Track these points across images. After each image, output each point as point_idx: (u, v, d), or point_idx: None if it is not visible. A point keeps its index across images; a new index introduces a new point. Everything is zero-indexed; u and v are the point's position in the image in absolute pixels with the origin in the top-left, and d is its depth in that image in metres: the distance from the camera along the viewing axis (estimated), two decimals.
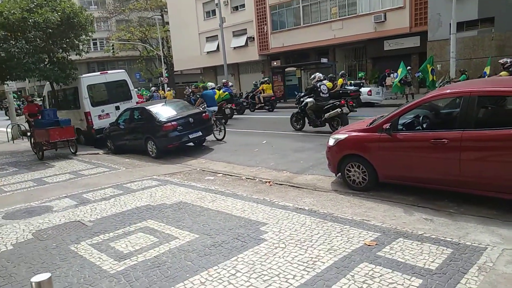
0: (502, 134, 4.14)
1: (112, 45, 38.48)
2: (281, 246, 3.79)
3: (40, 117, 11.33)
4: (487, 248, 3.40)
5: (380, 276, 3.05)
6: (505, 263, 3.10)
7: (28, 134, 12.43)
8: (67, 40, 12.29)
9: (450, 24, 16.83)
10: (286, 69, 26.28)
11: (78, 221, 5.13)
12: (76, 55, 13.08)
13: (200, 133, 9.95)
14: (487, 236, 3.73)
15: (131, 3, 41.40)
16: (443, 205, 4.75)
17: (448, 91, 5.11)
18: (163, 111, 9.87)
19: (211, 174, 7.51)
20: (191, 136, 9.70)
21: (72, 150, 10.86)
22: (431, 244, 3.58)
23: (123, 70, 13.99)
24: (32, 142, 11.35)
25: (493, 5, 17.58)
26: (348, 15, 23.42)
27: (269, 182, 6.56)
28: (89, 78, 12.76)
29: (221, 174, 7.43)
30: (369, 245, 3.65)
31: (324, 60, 24.25)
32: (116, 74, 13.41)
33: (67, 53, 12.86)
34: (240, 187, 6.43)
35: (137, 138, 10.16)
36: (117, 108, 12.56)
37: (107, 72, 13.72)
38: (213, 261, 3.59)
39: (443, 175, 4.71)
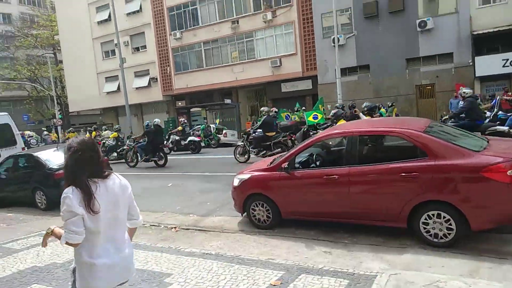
0: (380, 169, 4.72)
1: None
2: None
3: None
4: (377, 275, 3.73)
5: None
6: (392, 287, 3.43)
7: None
8: None
9: (335, 69, 19.08)
10: (191, 109, 26.44)
11: None
12: None
13: None
14: (377, 263, 4.11)
15: (17, 41, 37.83)
16: (339, 237, 5.12)
17: (335, 131, 5.68)
18: (54, 157, 8.97)
19: None
20: None
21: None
22: (330, 277, 3.79)
23: (6, 113, 12.49)
24: None
25: (367, 55, 20.54)
26: (247, 59, 24.90)
27: (175, 227, 6.32)
28: None
29: None
30: (274, 285, 3.71)
31: (228, 100, 25.13)
32: None
33: None
34: (143, 235, 6.04)
35: (23, 189, 8.97)
36: None
37: None
38: None
39: (337, 208, 5.12)
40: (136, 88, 29.64)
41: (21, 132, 17.40)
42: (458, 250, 4.24)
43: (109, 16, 28.47)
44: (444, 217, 4.33)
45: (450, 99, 17.79)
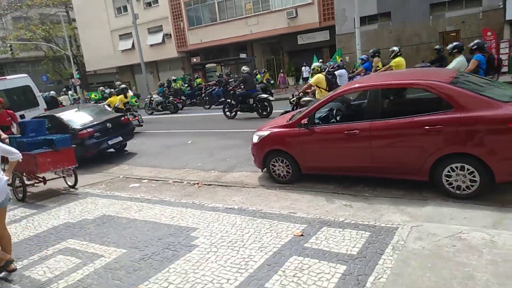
0: (403, 123, 4.61)
1: (10, 45, 34.35)
2: (213, 250, 3.79)
3: (17, 133, 7.70)
4: (398, 227, 3.78)
5: (309, 267, 3.22)
6: (414, 239, 3.48)
7: None
8: None
9: (354, 18, 18.18)
10: (206, 66, 26.09)
11: None
12: None
13: (120, 138, 9.44)
14: (398, 216, 4.15)
15: None
16: (360, 190, 5.16)
17: (356, 85, 5.51)
18: (77, 118, 9.15)
19: (135, 181, 7.19)
20: (110, 142, 9.15)
21: (69, 183, 7.12)
22: (351, 229, 3.87)
23: (26, 75, 12.62)
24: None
25: (388, 1, 19.40)
26: (262, 10, 23.97)
27: (197, 183, 6.49)
28: None
29: (147, 180, 7.16)
30: (297, 236, 3.84)
31: (243, 55, 24.58)
32: (18, 80, 12.05)
33: None
34: (167, 192, 6.26)
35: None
36: (22, 117, 11.32)
37: (5, 78, 12.26)
38: (143, 276, 3.45)
39: (357, 163, 5.11)
40: (151, 45, 29.26)
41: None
42: (480, 201, 4.22)
43: None
44: (468, 169, 4.28)
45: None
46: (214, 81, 20.76)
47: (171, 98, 18.80)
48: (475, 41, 7.60)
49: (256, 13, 24.15)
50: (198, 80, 23.07)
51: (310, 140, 5.43)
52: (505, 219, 3.76)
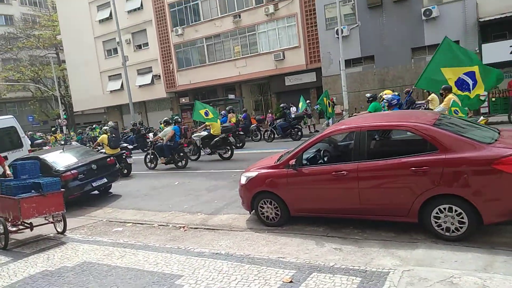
0: (390, 164, 4.65)
1: None
2: None
3: (8, 175, 6.94)
4: (389, 272, 3.69)
5: None
6: (405, 285, 3.39)
7: None
8: None
9: (339, 61, 18.89)
10: None
11: None
12: None
13: (105, 180, 9.26)
14: (388, 260, 4.06)
15: (19, 42, 37.90)
16: (349, 233, 5.08)
17: (343, 126, 5.60)
18: (61, 159, 8.99)
19: (119, 225, 6.97)
20: (94, 184, 8.96)
21: (58, 229, 6.71)
22: (342, 275, 3.75)
23: (11, 116, 12.51)
24: None
25: (372, 45, 20.31)
26: (250, 53, 24.75)
27: (183, 227, 6.32)
28: None
29: (131, 224, 6.94)
30: (286, 282, 3.70)
31: (231, 96, 25.05)
32: (3, 121, 11.92)
33: None
34: (152, 236, 6.06)
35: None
36: (5, 158, 11.07)
37: None
38: None
39: (346, 204, 5.07)
40: (139, 86, 29.65)
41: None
42: (470, 244, 4.18)
43: (110, 14, 28.43)
44: (455, 210, 4.28)
45: None
46: (129, 129, 22.68)
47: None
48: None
49: (245, 56, 24.90)
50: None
51: (298, 181, 5.40)
52: (496, 261, 3.71)
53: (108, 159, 9.71)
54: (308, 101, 20.21)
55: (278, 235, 5.32)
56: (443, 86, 7.42)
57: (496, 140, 4.44)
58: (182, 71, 27.74)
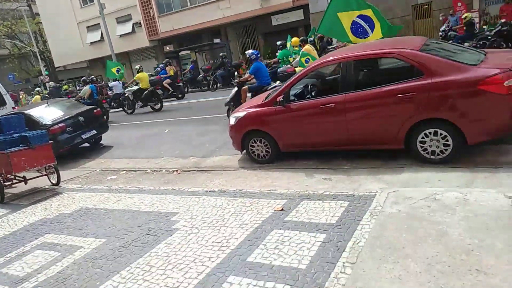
0: (376, 93, 4.64)
1: None
2: (194, 232, 3.76)
3: None
4: (376, 194, 3.84)
5: (290, 239, 3.24)
6: (390, 204, 3.54)
7: None
8: None
9: None
10: (180, 53, 25.59)
11: None
12: None
13: (94, 132, 9.20)
14: (375, 185, 4.21)
15: None
16: (339, 164, 5.20)
17: (330, 58, 5.48)
18: (47, 113, 8.84)
19: (113, 173, 7.05)
20: (84, 136, 8.90)
21: (52, 181, 6.83)
22: (330, 200, 3.90)
23: None
24: None
25: None
26: None
27: (176, 171, 6.41)
28: None
29: (124, 172, 7.02)
30: (277, 211, 3.85)
31: (217, 40, 24.23)
32: None
33: None
34: (146, 181, 6.16)
35: None
36: None
37: None
38: (125, 262, 3.40)
39: (335, 136, 5.12)
40: (120, 36, 28.41)
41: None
42: (455, 164, 4.31)
43: None
44: (441, 134, 4.36)
45: (448, 16, 17.10)
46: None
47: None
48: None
49: None
50: (64, 87, 23.06)
51: (286, 118, 5.40)
52: (477, 178, 3.86)
53: (95, 111, 9.57)
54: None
55: (269, 171, 5.44)
56: (301, 38, 7.90)
57: (481, 61, 4.41)
58: (164, 16, 26.45)
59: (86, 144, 9.63)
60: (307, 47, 9.93)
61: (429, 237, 2.86)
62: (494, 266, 2.43)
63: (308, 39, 13.89)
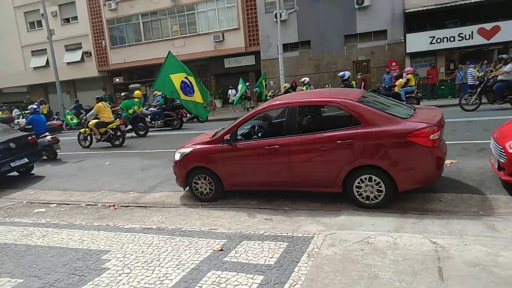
0: (317, 137, 4.87)
1: None
2: (125, 272, 3.52)
3: None
4: (314, 236, 3.91)
5: (226, 281, 3.15)
6: (327, 246, 3.62)
7: None
8: None
9: (277, 45, 19.16)
10: (129, 86, 25.20)
11: None
12: None
13: (25, 160, 8.53)
14: (314, 226, 4.30)
15: None
16: (280, 204, 5.27)
17: (277, 102, 5.72)
18: None
19: (41, 206, 6.50)
20: (13, 164, 8.22)
21: None
22: (270, 241, 3.90)
23: None
24: None
25: (308, 31, 20.86)
26: (189, 33, 24.08)
27: (113, 205, 6.08)
28: None
29: (55, 204, 6.51)
30: (216, 251, 3.75)
31: None
32: None
33: None
34: (78, 215, 5.75)
35: None
36: None
37: None
38: None
39: (278, 177, 5.23)
40: (68, 63, 27.49)
41: None
42: (386, 210, 4.57)
43: None
44: (375, 180, 4.63)
45: (383, 74, 18.81)
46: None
47: None
48: None
49: (183, 35, 24.18)
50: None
51: (233, 156, 5.45)
52: (406, 223, 4.11)
53: (30, 138, 8.95)
54: (247, 83, 20.30)
55: (211, 209, 5.35)
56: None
57: (411, 115, 4.85)
58: (116, 48, 26.18)
59: (15, 173, 8.86)
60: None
61: (362, 280, 2.94)
62: None
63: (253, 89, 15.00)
